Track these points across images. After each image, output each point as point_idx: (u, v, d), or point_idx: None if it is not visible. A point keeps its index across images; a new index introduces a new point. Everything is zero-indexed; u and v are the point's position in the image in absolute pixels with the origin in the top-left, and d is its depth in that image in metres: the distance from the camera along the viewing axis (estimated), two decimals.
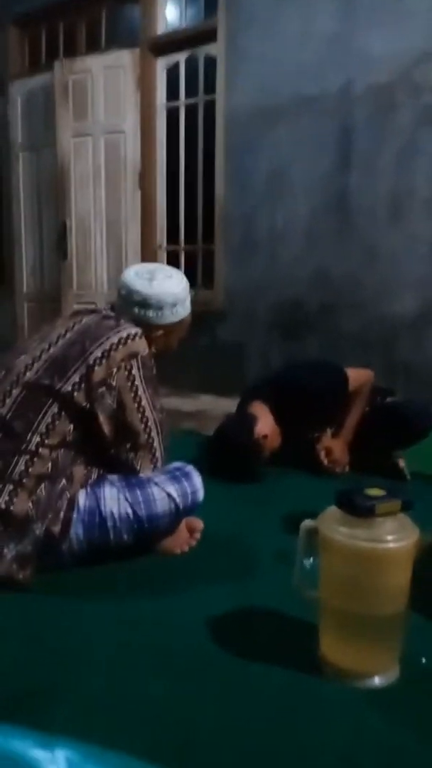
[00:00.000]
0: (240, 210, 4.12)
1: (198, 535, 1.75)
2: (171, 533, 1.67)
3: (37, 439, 1.50)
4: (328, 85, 3.67)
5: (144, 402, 1.58)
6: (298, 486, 2.34)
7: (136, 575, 1.57)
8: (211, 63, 4.23)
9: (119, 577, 1.55)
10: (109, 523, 1.53)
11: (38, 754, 0.61)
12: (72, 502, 1.53)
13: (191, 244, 4.62)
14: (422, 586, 1.19)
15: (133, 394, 1.57)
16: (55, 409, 1.53)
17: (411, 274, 3.53)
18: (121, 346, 1.57)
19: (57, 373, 1.55)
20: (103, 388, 1.54)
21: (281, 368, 2.89)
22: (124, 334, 1.59)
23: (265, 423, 2.35)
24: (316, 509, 1.20)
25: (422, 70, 3.38)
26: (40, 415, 1.52)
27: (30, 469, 1.49)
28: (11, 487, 1.47)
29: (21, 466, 1.48)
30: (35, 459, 1.49)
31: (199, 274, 4.58)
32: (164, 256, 4.73)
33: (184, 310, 1.77)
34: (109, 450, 1.59)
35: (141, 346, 1.60)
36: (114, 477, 1.59)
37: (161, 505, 1.57)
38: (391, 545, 1.09)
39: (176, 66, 4.49)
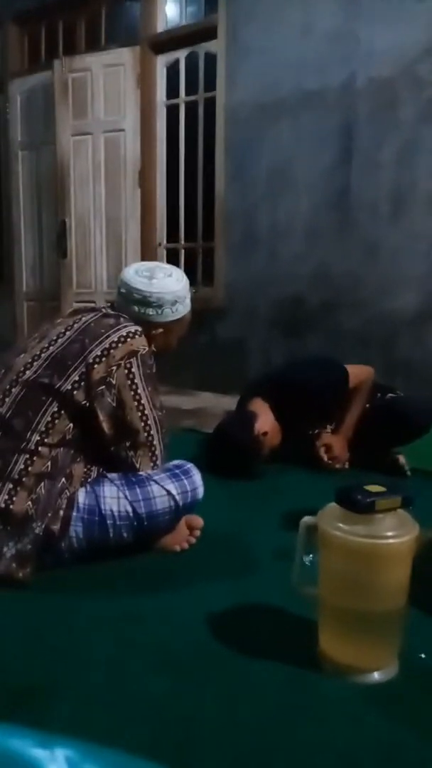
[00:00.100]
0: (240, 207, 4.12)
1: (198, 533, 1.75)
2: (171, 531, 1.67)
3: (36, 437, 1.50)
4: (329, 81, 3.67)
5: (144, 400, 1.58)
6: (297, 483, 2.34)
7: (136, 573, 1.57)
8: (211, 60, 4.22)
9: (119, 575, 1.55)
10: (109, 521, 1.54)
11: (38, 752, 0.61)
12: (71, 501, 1.53)
13: (191, 241, 4.62)
14: (422, 581, 1.19)
15: (132, 393, 1.57)
16: (54, 407, 1.53)
17: (412, 271, 3.52)
18: (120, 345, 1.57)
19: (57, 372, 1.55)
20: (103, 387, 1.54)
21: (281, 365, 2.89)
22: (123, 333, 1.59)
23: (265, 420, 2.35)
24: (316, 506, 1.20)
25: (425, 64, 3.37)
26: (40, 414, 1.52)
27: (30, 468, 1.49)
28: (11, 485, 1.47)
29: (20, 465, 1.48)
30: (35, 458, 1.50)
31: (199, 271, 4.58)
32: (164, 253, 4.73)
33: (184, 308, 1.76)
34: (108, 448, 1.59)
35: (141, 344, 1.60)
36: (114, 475, 1.59)
37: (161, 502, 1.57)
38: (390, 541, 1.09)
39: (176, 63, 4.49)
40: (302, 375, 2.44)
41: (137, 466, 1.59)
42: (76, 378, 1.53)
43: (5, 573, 1.43)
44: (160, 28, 4.46)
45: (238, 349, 4.21)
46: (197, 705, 1.07)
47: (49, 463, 1.51)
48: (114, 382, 1.55)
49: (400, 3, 3.40)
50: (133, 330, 1.61)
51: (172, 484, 1.59)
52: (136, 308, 1.70)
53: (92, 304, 3.10)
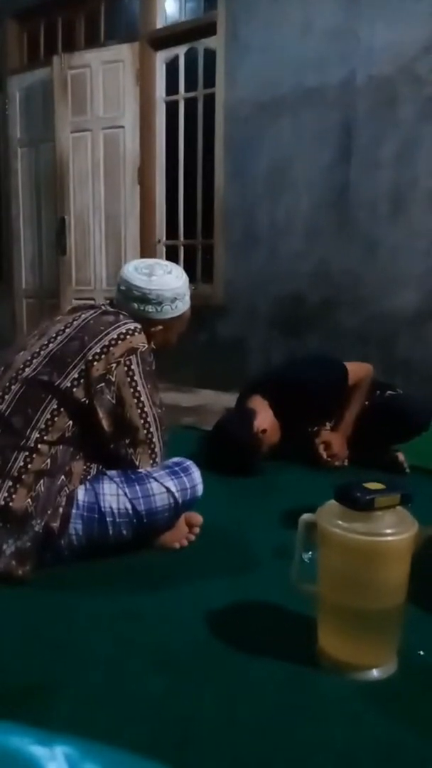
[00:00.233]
0: (240, 204, 4.11)
1: (197, 530, 1.75)
2: (170, 528, 1.67)
3: (36, 435, 1.50)
4: (329, 78, 3.66)
5: (143, 397, 1.58)
6: (297, 480, 2.34)
7: (135, 570, 1.57)
8: (210, 56, 4.21)
9: (118, 572, 1.55)
10: (108, 519, 1.54)
11: (37, 750, 0.61)
12: (71, 498, 1.53)
13: (191, 238, 4.61)
14: (421, 579, 1.19)
15: (132, 390, 1.57)
16: (54, 405, 1.53)
17: (411, 269, 3.52)
18: (120, 342, 1.56)
19: (56, 369, 1.54)
20: (103, 384, 1.54)
21: (281, 363, 2.88)
22: (123, 330, 1.59)
23: (264, 417, 2.35)
24: (315, 503, 1.20)
25: (424, 62, 3.36)
26: (40, 411, 1.52)
27: (29, 465, 1.48)
28: (10, 483, 1.47)
29: (20, 462, 1.48)
30: (34, 455, 1.49)
31: (198, 268, 4.58)
32: (163, 250, 4.72)
33: (183, 305, 1.76)
34: (108, 445, 1.59)
35: (140, 341, 1.60)
36: (113, 472, 1.59)
37: (160, 500, 1.57)
38: (389, 539, 1.09)
39: (175, 59, 4.47)
40: (302, 372, 2.43)
41: (137, 463, 1.59)
42: (76, 375, 1.53)
43: (5, 570, 1.44)
44: (160, 24, 4.45)
45: (237, 346, 4.21)
46: (196, 703, 1.07)
47: (48, 461, 1.51)
48: (113, 379, 1.55)
49: (399, 1, 3.39)
50: (132, 327, 1.60)
51: (171, 482, 1.59)
52: (135, 305, 1.69)
53: (91, 302, 3.09)
